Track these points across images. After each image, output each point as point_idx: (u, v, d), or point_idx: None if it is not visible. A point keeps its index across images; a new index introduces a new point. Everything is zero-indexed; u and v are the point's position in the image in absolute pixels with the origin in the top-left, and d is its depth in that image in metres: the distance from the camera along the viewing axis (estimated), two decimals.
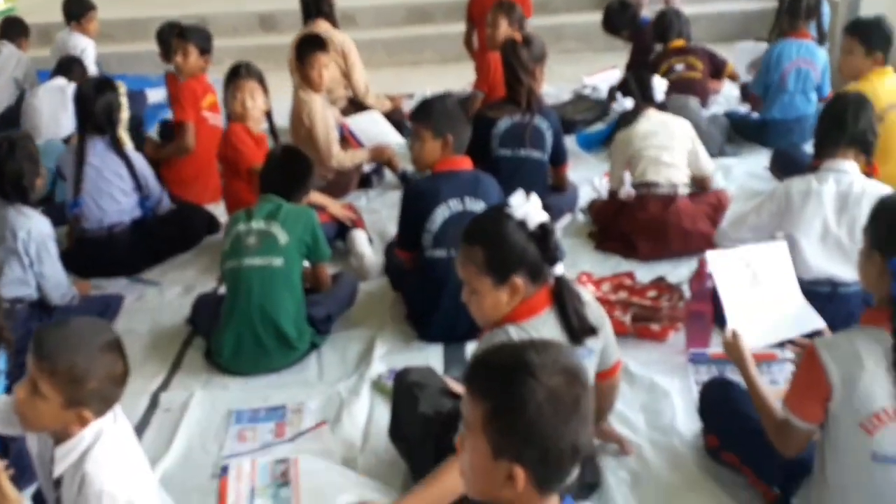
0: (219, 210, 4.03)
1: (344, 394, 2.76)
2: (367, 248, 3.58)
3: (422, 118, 3.00)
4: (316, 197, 3.45)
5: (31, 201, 3.13)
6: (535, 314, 1.91)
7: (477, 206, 2.87)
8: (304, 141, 4.18)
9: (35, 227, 3.06)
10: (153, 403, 2.80)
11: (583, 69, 6.10)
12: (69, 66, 4.93)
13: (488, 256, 1.90)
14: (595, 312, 2.03)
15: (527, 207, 1.90)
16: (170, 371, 2.99)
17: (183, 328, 3.22)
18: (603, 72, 5.82)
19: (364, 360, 2.95)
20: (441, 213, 2.87)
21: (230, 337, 2.90)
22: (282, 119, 4.32)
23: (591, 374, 2.01)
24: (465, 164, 2.98)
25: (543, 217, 1.91)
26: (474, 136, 3.68)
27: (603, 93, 5.46)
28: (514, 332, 1.86)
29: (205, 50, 4.37)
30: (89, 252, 3.66)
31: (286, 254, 2.92)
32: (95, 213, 3.62)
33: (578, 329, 1.93)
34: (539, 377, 1.22)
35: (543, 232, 1.90)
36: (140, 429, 2.63)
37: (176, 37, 4.42)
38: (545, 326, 1.90)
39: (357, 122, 4.50)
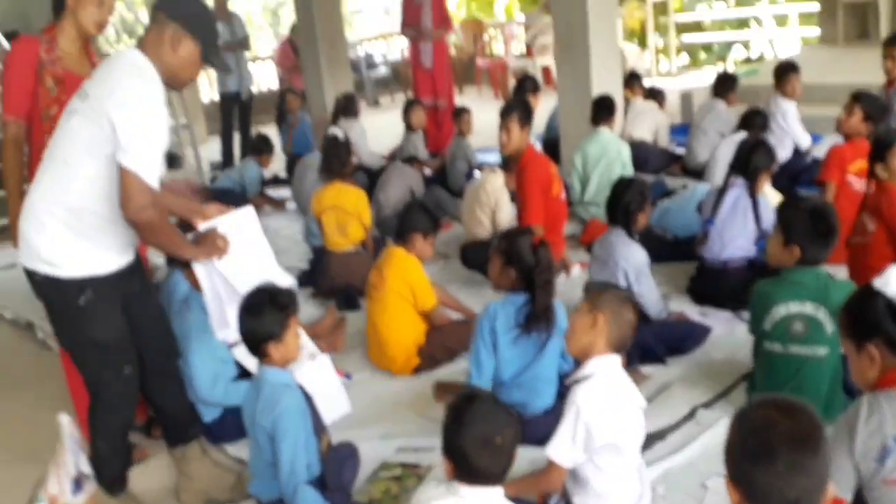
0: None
1: None
2: None
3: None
4: None
5: (633, 233, 3.87)
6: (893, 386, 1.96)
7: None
8: None
9: (634, 255, 3.81)
10: (690, 414, 3.29)
11: None
12: (751, 119, 5.58)
13: (849, 321, 2.14)
14: None
15: (889, 282, 2.02)
16: (717, 395, 3.42)
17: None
18: None
19: None
20: None
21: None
22: None
23: None
24: None
25: None
26: None
27: None
28: (865, 401, 2.00)
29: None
30: (705, 280, 4.28)
31: (832, 342, 2.98)
32: (717, 246, 4.20)
33: None
34: None
35: None
36: (666, 431, 3.17)
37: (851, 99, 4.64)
38: None
39: None
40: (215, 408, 3.39)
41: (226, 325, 2.98)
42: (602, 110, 5.69)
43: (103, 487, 2.88)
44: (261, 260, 3.07)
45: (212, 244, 2.90)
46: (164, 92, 2.68)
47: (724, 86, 6.47)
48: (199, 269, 2.96)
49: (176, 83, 2.75)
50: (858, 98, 4.57)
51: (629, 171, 5.51)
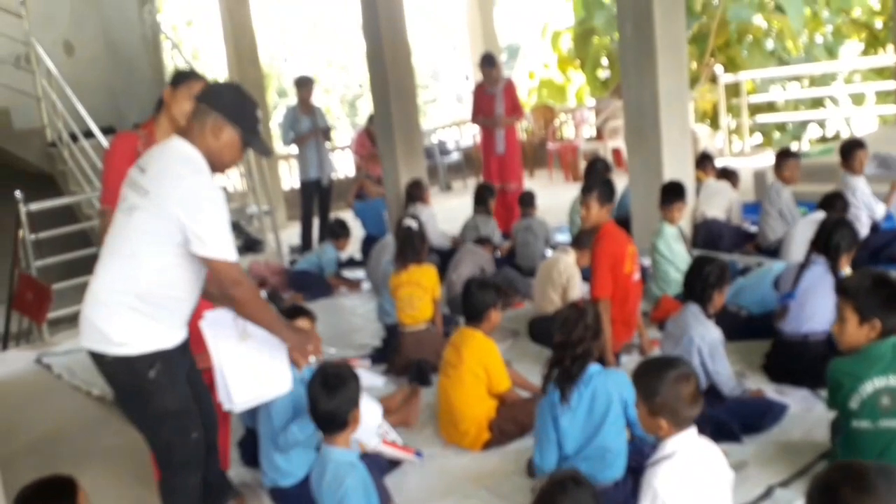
0: None
1: None
2: None
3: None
4: None
5: (708, 312, 3.88)
6: None
7: None
8: None
9: (708, 333, 3.80)
10: (767, 493, 3.22)
11: None
12: (831, 201, 5.52)
13: None
14: None
15: None
16: (794, 474, 3.33)
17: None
18: None
19: None
20: None
21: None
22: None
23: None
24: None
25: None
26: None
27: None
28: None
29: None
30: (782, 356, 4.21)
31: None
32: (796, 319, 4.15)
33: None
34: None
35: None
36: None
37: None
38: None
39: None
40: (293, 475, 3.49)
41: (228, 399, 3.00)
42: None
43: None
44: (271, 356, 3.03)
45: (307, 339, 2.98)
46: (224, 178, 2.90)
47: (780, 163, 6.44)
48: (209, 337, 2.97)
49: (219, 166, 2.92)
50: None
51: (665, 250, 5.52)
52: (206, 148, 2.84)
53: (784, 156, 6.51)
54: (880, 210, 6.01)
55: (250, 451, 3.84)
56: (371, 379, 3.84)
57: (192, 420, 2.97)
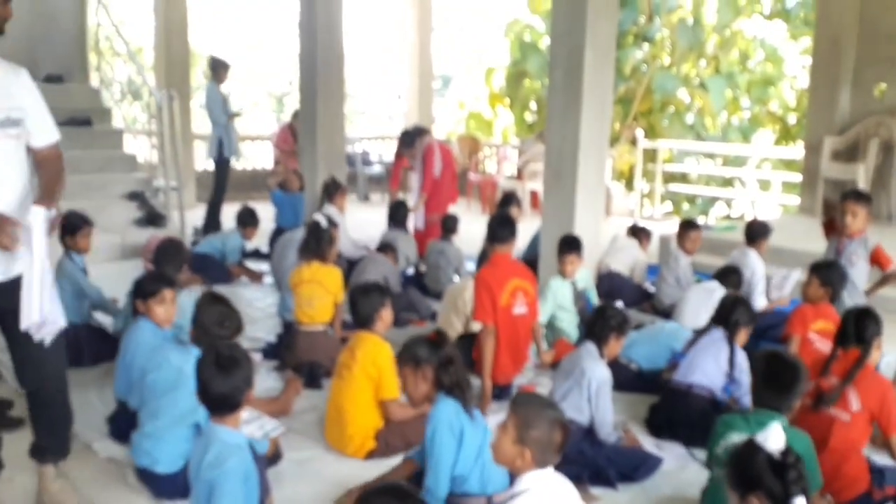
0: None
1: None
2: None
3: None
4: None
5: (602, 354, 3.98)
6: None
7: None
8: None
9: (599, 370, 3.90)
10: None
11: None
12: (727, 274, 5.76)
13: (733, 473, 2.30)
14: None
15: (768, 438, 2.22)
16: None
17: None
18: None
19: None
20: None
21: None
22: None
23: None
24: None
25: (781, 449, 2.19)
26: None
27: None
28: None
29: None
30: (666, 406, 4.35)
31: None
32: (685, 369, 4.31)
33: None
34: None
35: (783, 464, 2.17)
36: None
37: (809, 270, 4.86)
38: None
39: None
40: (173, 462, 3.36)
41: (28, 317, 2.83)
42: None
43: None
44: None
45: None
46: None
47: (683, 234, 6.70)
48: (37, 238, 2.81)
49: None
50: (815, 269, 4.84)
51: (550, 299, 5.63)
52: None
53: (687, 227, 6.75)
54: (761, 300, 6.21)
55: (122, 427, 3.68)
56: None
57: None
